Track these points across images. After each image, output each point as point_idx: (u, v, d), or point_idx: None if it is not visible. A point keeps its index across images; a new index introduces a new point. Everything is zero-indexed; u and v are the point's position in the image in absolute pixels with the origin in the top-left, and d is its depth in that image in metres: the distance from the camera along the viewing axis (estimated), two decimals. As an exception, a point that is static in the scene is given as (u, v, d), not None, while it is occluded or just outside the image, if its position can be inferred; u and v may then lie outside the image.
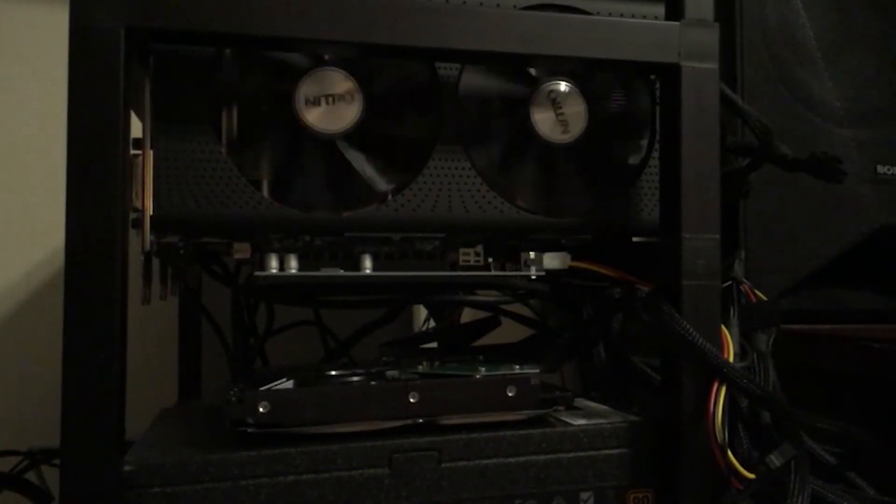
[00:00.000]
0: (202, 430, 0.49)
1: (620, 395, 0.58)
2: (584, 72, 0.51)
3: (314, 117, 0.46)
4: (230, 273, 0.65)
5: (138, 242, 0.45)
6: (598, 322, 0.60)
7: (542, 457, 0.46)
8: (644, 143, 0.54)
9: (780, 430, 0.47)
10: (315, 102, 0.46)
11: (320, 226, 0.48)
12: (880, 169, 0.67)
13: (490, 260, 0.53)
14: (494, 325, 0.68)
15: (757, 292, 0.53)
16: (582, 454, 0.47)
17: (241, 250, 0.49)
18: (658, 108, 0.53)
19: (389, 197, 0.49)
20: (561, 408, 0.51)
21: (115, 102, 0.40)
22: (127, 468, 0.40)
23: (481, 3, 0.49)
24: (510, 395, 0.47)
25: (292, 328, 0.76)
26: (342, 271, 0.50)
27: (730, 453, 0.45)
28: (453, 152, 0.49)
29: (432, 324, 0.78)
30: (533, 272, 0.52)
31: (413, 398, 0.46)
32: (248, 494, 0.42)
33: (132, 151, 0.44)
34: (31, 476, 0.71)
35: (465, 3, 0.48)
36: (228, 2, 0.42)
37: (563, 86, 0.50)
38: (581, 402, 0.55)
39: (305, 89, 0.46)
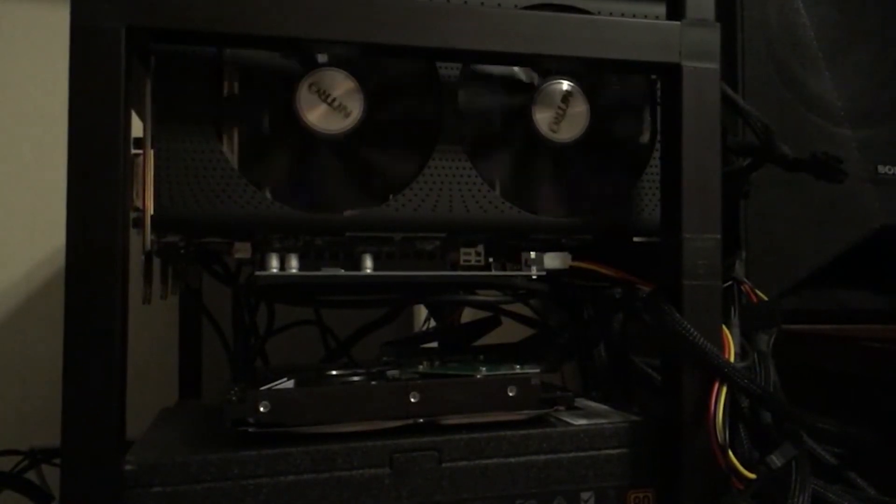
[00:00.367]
0: (203, 429, 0.49)
1: (621, 395, 0.58)
2: (585, 71, 0.51)
3: (315, 117, 0.46)
4: (231, 273, 0.65)
5: (139, 242, 0.45)
6: (599, 322, 0.61)
7: (543, 457, 0.46)
8: (645, 142, 0.54)
9: (781, 430, 0.47)
10: (316, 102, 0.46)
11: (321, 225, 0.48)
12: (881, 169, 0.67)
13: (491, 260, 0.53)
14: (495, 325, 0.68)
15: (758, 292, 0.53)
16: (583, 454, 0.47)
17: (242, 250, 0.49)
18: (659, 108, 0.53)
19: (390, 197, 0.49)
20: (561, 408, 0.51)
21: (116, 102, 0.40)
22: (128, 468, 0.40)
23: (482, 3, 0.49)
24: (511, 395, 0.47)
25: (293, 328, 0.76)
26: (343, 271, 0.50)
27: (730, 453, 0.45)
28: (454, 152, 0.49)
29: (433, 324, 0.78)
30: (533, 272, 0.52)
31: (414, 398, 0.46)
32: (248, 494, 0.42)
33: (133, 151, 0.44)
34: (31, 475, 0.71)
35: (466, 2, 0.48)
36: (229, 1, 0.42)
37: (564, 85, 0.50)
38: (582, 402, 0.55)
39: (306, 89, 0.46)
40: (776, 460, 0.44)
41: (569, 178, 0.52)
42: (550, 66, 0.50)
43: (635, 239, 0.54)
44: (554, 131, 0.50)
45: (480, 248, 0.53)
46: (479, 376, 0.48)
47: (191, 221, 0.46)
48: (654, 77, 0.54)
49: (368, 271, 0.50)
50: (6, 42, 0.90)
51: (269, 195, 0.46)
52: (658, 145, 0.53)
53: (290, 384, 0.47)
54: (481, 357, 0.57)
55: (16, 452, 0.71)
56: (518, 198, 0.51)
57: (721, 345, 0.47)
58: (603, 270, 0.54)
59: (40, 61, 0.90)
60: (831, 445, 0.52)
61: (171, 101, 0.45)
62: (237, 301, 0.69)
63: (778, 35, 0.65)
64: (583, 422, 0.49)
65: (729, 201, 0.51)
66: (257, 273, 0.48)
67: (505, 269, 0.53)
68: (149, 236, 0.44)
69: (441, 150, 0.49)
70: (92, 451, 0.39)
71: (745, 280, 0.53)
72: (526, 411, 0.48)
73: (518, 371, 0.49)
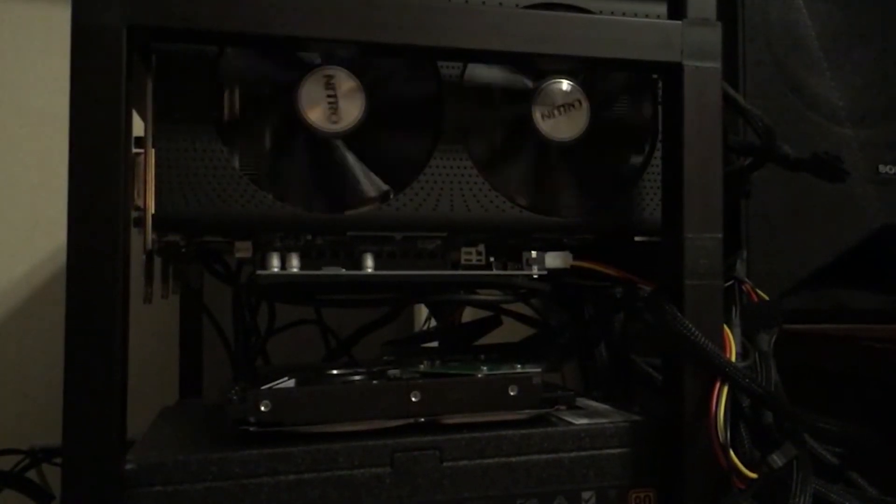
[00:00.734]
0: (204, 429, 0.49)
1: (622, 395, 0.58)
2: (586, 71, 0.51)
3: (316, 116, 0.46)
4: (232, 272, 0.65)
5: (140, 241, 0.45)
6: (600, 321, 0.61)
7: (544, 456, 0.46)
8: (646, 142, 0.54)
9: (782, 429, 0.47)
10: (317, 101, 0.46)
11: (322, 225, 0.48)
12: (882, 169, 0.67)
13: (492, 259, 0.53)
14: (496, 325, 0.68)
15: (759, 292, 0.53)
16: (584, 454, 0.47)
17: (243, 249, 0.49)
18: (660, 108, 0.53)
19: (391, 196, 0.48)
20: (562, 407, 0.51)
21: (117, 101, 0.40)
22: (129, 467, 0.40)
23: (484, 2, 0.49)
24: (512, 394, 0.47)
25: (294, 327, 0.76)
26: (344, 270, 0.50)
27: (732, 453, 0.45)
28: (455, 151, 0.49)
29: (433, 323, 0.78)
30: (535, 271, 0.52)
31: (415, 397, 0.46)
32: (249, 493, 0.42)
33: (134, 150, 0.44)
34: (32, 475, 0.71)
35: (467, 1, 0.48)
36: (230, 1, 0.42)
37: (565, 84, 0.50)
38: (583, 401, 0.55)
39: (307, 88, 0.46)
40: (777, 460, 0.44)
41: (570, 177, 0.52)
42: (551, 66, 0.50)
43: (636, 238, 0.54)
44: (555, 130, 0.50)
45: (481, 248, 0.53)
46: (480, 376, 0.48)
47: (192, 221, 0.46)
48: (655, 76, 0.54)
49: (369, 271, 0.50)
50: (7, 41, 0.90)
51: (270, 195, 0.46)
52: (659, 145, 0.53)
53: (290, 383, 0.47)
54: (482, 356, 0.57)
55: (16, 452, 0.71)
56: (519, 197, 0.51)
57: (722, 344, 0.47)
58: (604, 270, 0.54)
59: (41, 60, 0.90)
60: (832, 445, 0.52)
61: (172, 101, 0.45)
62: (238, 300, 0.69)
63: (779, 34, 0.65)
64: (584, 421, 0.49)
65: (730, 201, 0.51)
66: (258, 272, 0.48)
67: (506, 269, 0.53)
68: (150, 236, 0.44)
69: (442, 150, 0.49)
70: (93, 451, 0.39)
71: (747, 279, 0.53)
72: (527, 411, 0.48)
73: (519, 370, 0.49)
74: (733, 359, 0.47)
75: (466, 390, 0.47)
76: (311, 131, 0.46)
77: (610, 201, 0.53)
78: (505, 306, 0.65)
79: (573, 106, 0.50)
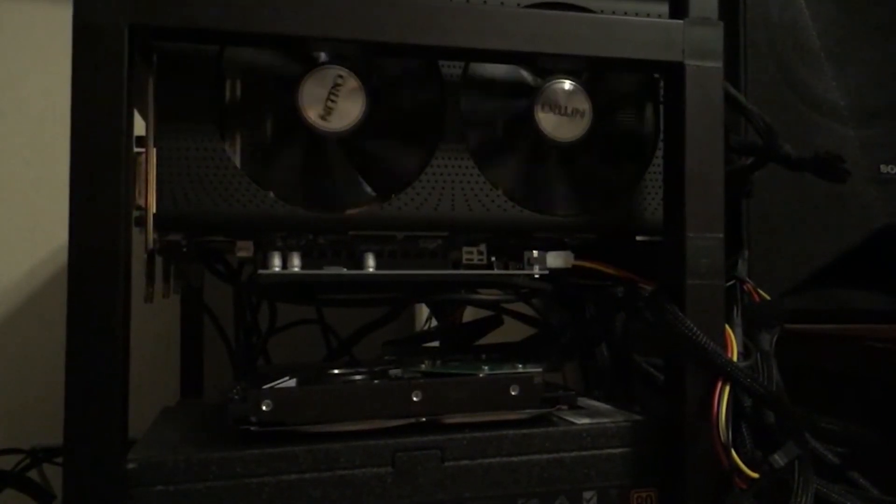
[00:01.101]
0: (205, 428, 0.49)
1: (623, 395, 0.58)
2: (588, 70, 0.51)
3: (317, 115, 0.46)
4: (233, 271, 0.65)
5: (141, 241, 0.45)
6: (601, 321, 0.60)
7: (545, 456, 0.46)
8: (648, 141, 0.54)
9: (784, 429, 0.46)
10: (318, 100, 0.46)
11: (323, 224, 0.48)
12: (884, 168, 0.67)
13: (493, 259, 0.53)
14: (497, 325, 0.68)
15: (760, 291, 0.53)
16: (585, 453, 0.47)
17: (244, 248, 0.49)
18: (662, 107, 0.53)
19: (393, 196, 0.48)
20: (564, 407, 0.51)
21: (119, 100, 0.40)
22: (130, 466, 0.40)
23: (485, 2, 0.49)
24: (513, 394, 0.47)
25: (295, 327, 0.76)
26: (345, 270, 0.50)
27: (733, 453, 0.45)
28: (456, 151, 0.49)
29: (434, 323, 0.78)
30: (536, 271, 0.52)
31: (416, 397, 0.46)
32: (251, 493, 0.42)
33: (135, 149, 0.44)
34: (33, 474, 0.71)
35: (468, 1, 0.48)
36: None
37: (566, 84, 0.50)
38: (584, 401, 0.55)
39: (308, 87, 0.46)
40: (779, 460, 0.44)
41: (571, 177, 0.52)
42: (553, 65, 0.50)
43: (638, 238, 0.54)
44: (557, 130, 0.50)
45: (483, 247, 0.52)
46: (481, 375, 0.48)
47: (193, 220, 0.45)
48: (657, 76, 0.54)
49: (370, 270, 0.50)
50: (8, 40, 0.90)
51: (271, 194, 0.46)
52: (661, 144, 0.53)
53: (292, 383, 0.47)
54: (483, 356, 0.57)
55: (17, 451, 0.71)
56: (520, 197, 0.50)
57: (724, 344, 0.47)
58: (605, 269, 0.54)
59: (42, 60, 0.90)
60: (834, 445, 0.51)
61: (173, 100, 0.45)
62: (239, 300, 0.69)
63: (781, 34, 0.65)
64: (585, 421, 0.49)
65: (732, 200, 0.51)
66: (259, 272, 0.48)
67: (507, 268, 0.53)
68: (151, 235, 0.44)
69: (444, 149, 0.49)
70: (94, 450, 0.39)
71: (748, 279, 0.53)
72: (528, 410, 0.48)
73: (520, 370, 0.49)
74: (735, 359, 0.47)
75: (468, 390, 0.47)
76: (312, 130, 0.46)
77: (611, 201, 0.53)
78: (506, 306, 0.65)
79: (575, 106, 0.50)
